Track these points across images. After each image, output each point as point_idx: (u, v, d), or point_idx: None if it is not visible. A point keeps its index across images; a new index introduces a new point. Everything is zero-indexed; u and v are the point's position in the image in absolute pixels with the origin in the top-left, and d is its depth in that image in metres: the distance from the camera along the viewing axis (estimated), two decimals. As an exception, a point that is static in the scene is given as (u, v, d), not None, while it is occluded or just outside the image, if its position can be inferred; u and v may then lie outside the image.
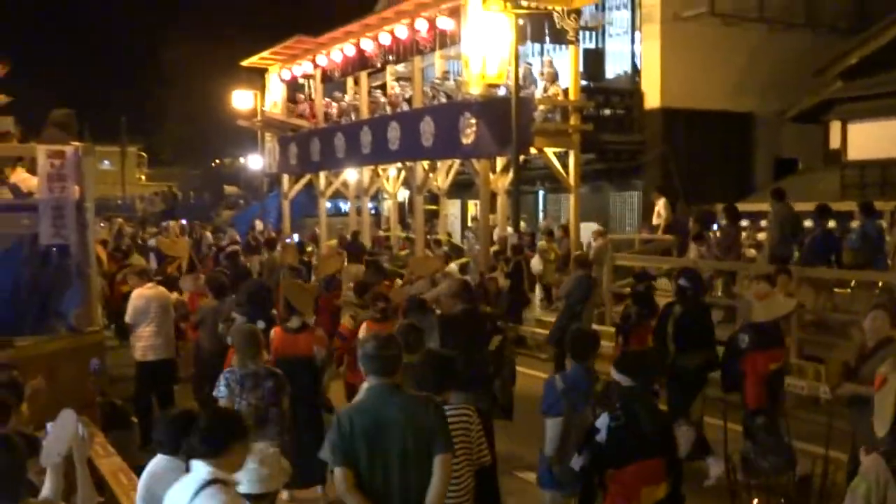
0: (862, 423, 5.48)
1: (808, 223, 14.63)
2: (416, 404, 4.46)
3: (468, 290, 7.41)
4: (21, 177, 8.75)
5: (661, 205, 18.14)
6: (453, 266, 14.37)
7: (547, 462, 5.79)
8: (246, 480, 4.02)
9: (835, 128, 18.73)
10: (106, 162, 55.60)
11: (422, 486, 4.31)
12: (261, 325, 7.36)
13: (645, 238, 18.04)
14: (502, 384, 7.12)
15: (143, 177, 70.14)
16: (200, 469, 3.79)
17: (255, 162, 33.54)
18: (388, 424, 4.32)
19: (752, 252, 13.72)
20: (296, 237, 23.20)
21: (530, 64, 17.50)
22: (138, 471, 5.15)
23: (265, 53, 22.85)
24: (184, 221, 28.85)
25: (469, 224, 24.93)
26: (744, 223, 13.52)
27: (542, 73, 16.92)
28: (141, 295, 9.39)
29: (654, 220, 18.25)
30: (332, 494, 6.37)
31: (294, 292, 8.12)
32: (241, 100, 27.02)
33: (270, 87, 24.00)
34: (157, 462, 4.56)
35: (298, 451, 6.54)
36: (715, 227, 14.55)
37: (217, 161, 61.95)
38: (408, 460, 4.31)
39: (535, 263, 14.96)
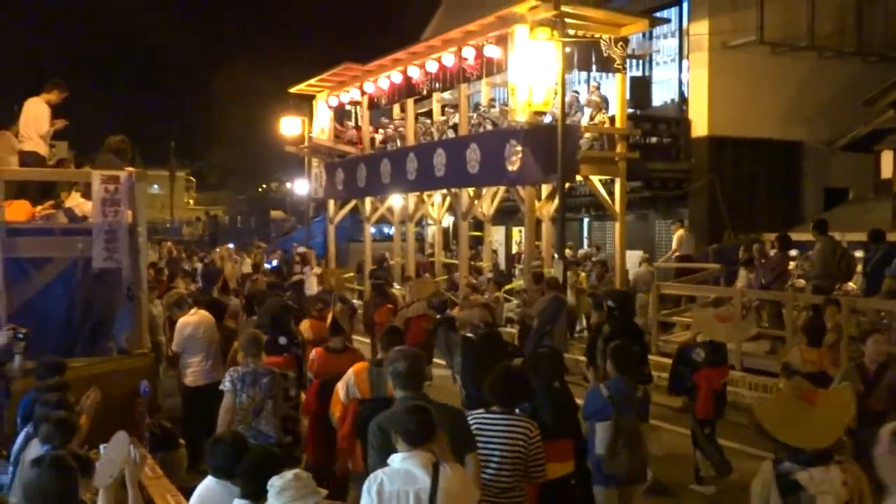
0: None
1: (859, 254, 14.47)
2: (446, 411, 4.99)
3: (490, 315, 7.89)
4: (76, 201, 8.93)
5: (679, 235, 18.23)
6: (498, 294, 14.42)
7: (598, 461, 6.37)
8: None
9: (886, 157, 18.48)
10: (155, 186, 56.56)
11: None
12: (282, 340, 8.48)
13: (691, 267, 17.92)
14: None
15: (191, 201, 71.21)
16: None
17: (301, 187, 33.84)
18: None
19: (800, 282, 13.56)
20: (275, 262, 23.34)
21: (577, 92, 17.52)
22: (184, 493, 5.21)
23: (313, 80, 23.14)
24: (231, 246, 29.14)
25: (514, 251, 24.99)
26: (793, 253, 13.36)
27: (588, 101, 16.94)
28: (187, 322, 9.43)
29: (674, 248, 18.48)
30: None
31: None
32: (288, 126, 27.33)
33: (318, 114, 24.27)
34: (208, 485, 4.61)
35: None
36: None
37: (264, 186, 62.60)
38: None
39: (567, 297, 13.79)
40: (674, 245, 18.59)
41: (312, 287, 17.56)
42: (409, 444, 4.31)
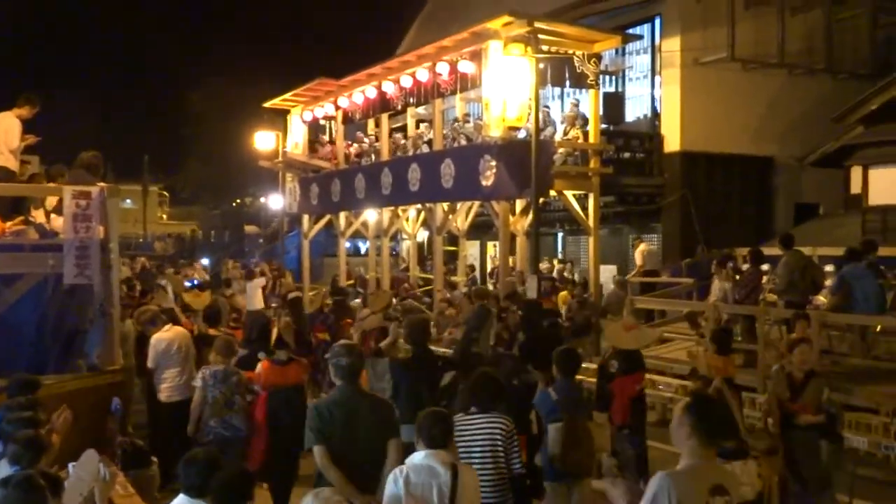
0: (798, 448, 6.92)
1: (829, 268, 14.61)
2: (377, 402, 5.83)
3: (420, 334, 7.98)
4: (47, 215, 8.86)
5: (641, 250, 18.42)
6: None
7: (550, 458, 6.84)
8: None
9: (856, 173, 18.72)
10: (128, 200, 56.11)
11: (380, 462, 5.43)
12: (262, 355, 8.92)
13: (664, 281, 18.04)
14: None
15: (165, 215, 70.70)
16: None
17: (275, 202, 33.73)
18: (358, 414, 5.51)
19: (772, 297, 13.66)
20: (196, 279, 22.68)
21: (547, 107, 17.59)
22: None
23: (287, 95, 23.09)
24: (205, 261, 28.85)
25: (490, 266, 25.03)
26: (765, 267, 13.47)
27: (567, 117, 17.02)
28: (161, 338, 9.38)
29: (640, 263, 18.70)
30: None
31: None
32: (262, 140, 27.22)
33: (292, 129, 24.21)
34: (180, 502, 4.57)
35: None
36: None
37: (238, 200, 62.32)
38: (371, 442, 5.48)
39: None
40: (638, 261, 18.74)
41: (255, 301, 17.53)
42: (430, 446, 4.90)
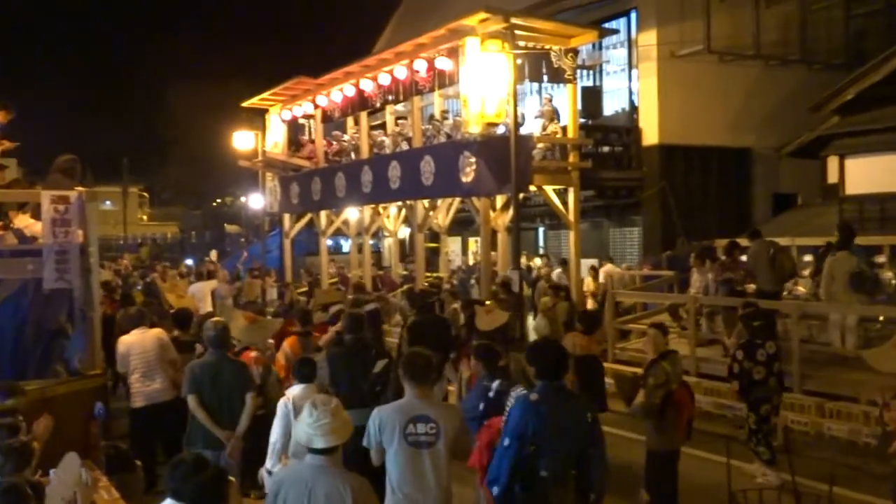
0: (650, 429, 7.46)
1: (808, 258, 14.73)
2: (238, 365, 7.64)
3: (353, 325, 8.18)
4: (26, 222, 8.80)
5: (604, 269, 18.66)
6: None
7: None
8: (320, 435, 4.29)
9: (832, 163, 18.85)
10: (108, 202, 55.80)
11: (238, 410, 7.35)
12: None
13: (645, 274, 18.14)
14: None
15: (145, 217, 70.35)
16: None
17: (256, 201, 33.61)
18: (222, 373, 7.38)
19: (752, 287, 13.77)
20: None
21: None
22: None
23: (265, 94, 23.04)
24: (189, 262, 28.63)
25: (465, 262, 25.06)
26: (743, 258, 13.58)
27: (541, 112, 17.08)
28: (122, 341, 9.19)
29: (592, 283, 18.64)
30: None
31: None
32: (241, 140, 27.11)
33: (271, 128, 24.17)
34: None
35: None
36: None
37: (218, 200, 62.16)
38: (231, 394, 7.36)
39: (542, 326, 10.98)
40: (599, 279, 18.50)
41: (206, 305, 16.71)
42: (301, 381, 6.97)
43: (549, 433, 5.13)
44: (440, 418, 5.33)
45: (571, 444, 5.22)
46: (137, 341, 9.13)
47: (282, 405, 6.72)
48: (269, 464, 6.64)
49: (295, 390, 6.92)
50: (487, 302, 12.16)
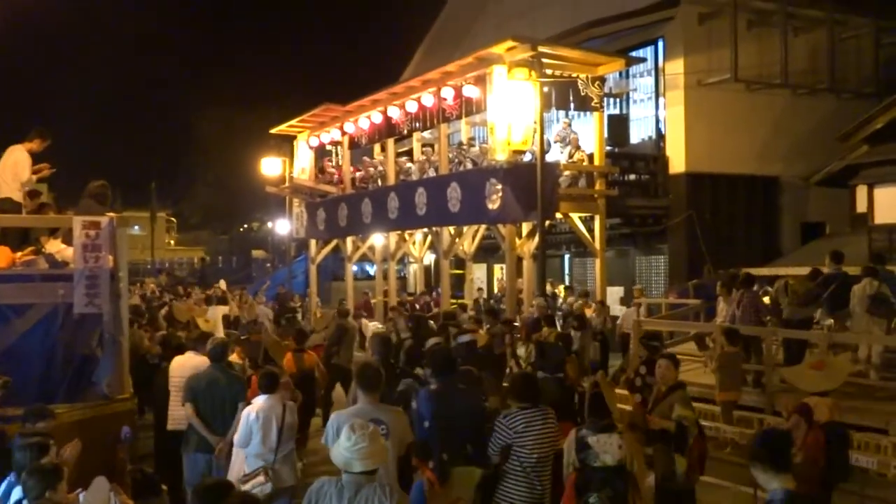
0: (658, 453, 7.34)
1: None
2: (232, 377, 8.39)
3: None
4: (57, 247, 8.89)
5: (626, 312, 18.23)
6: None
7: None
8: (358, 459, 4.50)
9: (861, 192, 18.73)
10: (136, 227, 56.31)
11: (230, 418, 7.96)
12: None
13: (672, 303, 18.02)
14: None
15: (172, 241, 70.86)
16: None
17: (282, 227, 33.82)
18: (218, 384, 8.11)
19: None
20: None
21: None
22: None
23: (294, 121, 23.26)
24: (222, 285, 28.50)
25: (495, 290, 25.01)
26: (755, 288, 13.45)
27: (564, 138, 17.06)
28: (175, 364, 9.36)
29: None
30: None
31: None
32: (269, 166, 27.36)
33: (298, 154, 24.38)
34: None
35: None
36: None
37: (245, 226, 62.53)
38: (225, 403, 8.07)
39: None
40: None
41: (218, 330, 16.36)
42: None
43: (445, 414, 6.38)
44: (390, 421, 6.03)
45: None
46: (178, 366, 9.24)
47: (245, 413, 7.54)
48: (246, 468, 7.37)
49: (259, 400, 7.57)
50: (480, 332, 12.35)
